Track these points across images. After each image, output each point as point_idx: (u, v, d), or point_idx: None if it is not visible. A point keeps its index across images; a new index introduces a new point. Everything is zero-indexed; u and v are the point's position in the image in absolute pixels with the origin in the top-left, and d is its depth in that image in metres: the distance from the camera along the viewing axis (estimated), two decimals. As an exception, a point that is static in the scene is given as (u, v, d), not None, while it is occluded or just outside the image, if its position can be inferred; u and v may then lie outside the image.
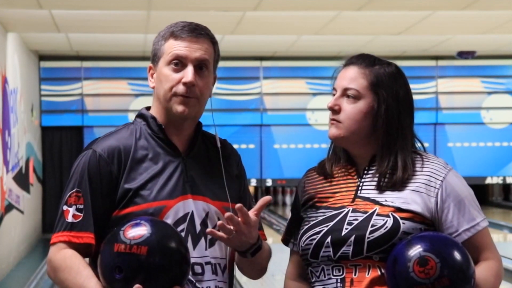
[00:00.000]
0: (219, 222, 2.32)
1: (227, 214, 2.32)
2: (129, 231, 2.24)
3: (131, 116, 12.63)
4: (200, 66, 2.42)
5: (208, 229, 2.35)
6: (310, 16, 9.23)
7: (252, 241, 2.38)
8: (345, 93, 2.44)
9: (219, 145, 2.52)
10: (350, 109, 2.43)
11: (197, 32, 2.44)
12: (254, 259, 2.42)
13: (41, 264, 9.45)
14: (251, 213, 2.35)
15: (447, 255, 2.26)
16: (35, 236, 11.69)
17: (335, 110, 2.45)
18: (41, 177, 12.59)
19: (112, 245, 2.24)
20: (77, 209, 2.37)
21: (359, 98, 2.43)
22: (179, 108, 2.41)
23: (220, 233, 2.33)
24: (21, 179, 10.46)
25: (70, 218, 2.37)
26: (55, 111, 12.85)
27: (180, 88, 2.40)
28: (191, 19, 2.50)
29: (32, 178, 11.61)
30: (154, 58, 2.47)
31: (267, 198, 2.36)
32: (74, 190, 2.39)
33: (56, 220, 2.40)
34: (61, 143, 12.90)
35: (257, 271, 2.53)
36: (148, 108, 2.52)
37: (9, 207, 9.45)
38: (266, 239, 2.54)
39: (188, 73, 2.40)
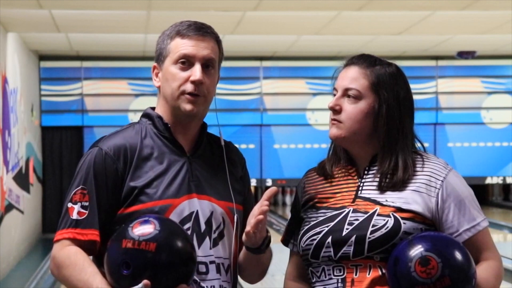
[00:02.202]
0: (247, 229, 2.38)
1: (253, 222, 2.37)
2: (137, 227, 2.24)
3: (131, 116, 12.64)
4: (206, 65, 2.44)
5: (244, 238, 2.42)
6: (310, 16, 9.23)
7: (264, 234, 2.43)
8: (346, 93, 2.44)
9: (223, 143, 2.53)
10: (351, 109, 2.43)
11: (203, 30, 2.45)
12: (261, 256, 2.46)
13: (41, 264, 9.45)
14: (258, 210, 2.37)
15: (449, 255, 2.26)
16: (35, 236, 11.69)
17: (336, 110, 2.45)
18: (41, 177, 12.59)
19: (120, 241, 2.24)
20: (82, 206, 2.37)
21: (360, 98, 2.43)
22: (187, 106, 2.42)
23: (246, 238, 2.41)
24: (21, 179, 10.46)
25: (75, 215, 2.36)
26: (55, 111, 12.85)
27: (189, 87, 2.41)
28: (191, 19, 2.50)
29: (32, 178, 11.61)
30: (159, 57, 2.47)
31: (273, 189, 2.39)
32: (80, 187, 2.38)
33: (60, 217, 2.39)
34: (61, 143, 12.89)
35: (260, 271, 2.55)
36: (153, 108, 2.52)
37: (9, 207, 9.45)
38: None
39: (196, 72, 2.41)
